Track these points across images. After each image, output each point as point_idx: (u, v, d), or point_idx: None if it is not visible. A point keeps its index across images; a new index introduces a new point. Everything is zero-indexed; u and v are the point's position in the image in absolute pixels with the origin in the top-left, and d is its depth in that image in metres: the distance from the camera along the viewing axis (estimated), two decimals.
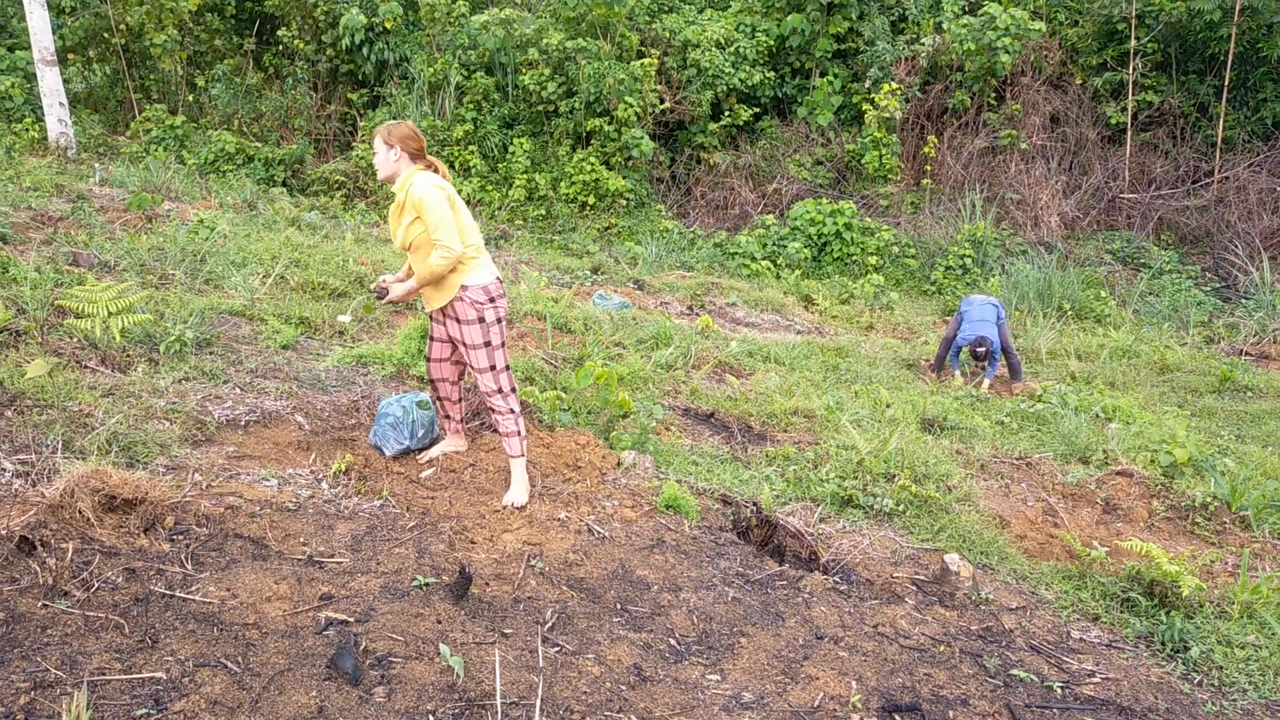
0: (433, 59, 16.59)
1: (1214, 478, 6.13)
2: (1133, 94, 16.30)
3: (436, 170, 4.60)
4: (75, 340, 5.65)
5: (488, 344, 4.60)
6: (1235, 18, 15.00)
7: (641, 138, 15.81)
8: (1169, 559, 4.64)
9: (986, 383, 9.21)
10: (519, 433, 4.74)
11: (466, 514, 4.55)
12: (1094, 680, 3.80)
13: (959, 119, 16.89)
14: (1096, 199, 16.08)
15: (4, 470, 4.01)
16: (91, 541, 3.56)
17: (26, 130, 14.63)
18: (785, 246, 14.67)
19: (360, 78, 17.46)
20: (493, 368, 4.64)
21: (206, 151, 15.27)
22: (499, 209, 15.62)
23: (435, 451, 5.16)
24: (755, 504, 5.05)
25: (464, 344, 4.63)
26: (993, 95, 16.72)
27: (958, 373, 9.44)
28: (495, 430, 4.75)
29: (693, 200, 17.19)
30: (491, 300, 4.57)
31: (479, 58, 16.65)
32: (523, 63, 16.27)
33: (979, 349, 9.03)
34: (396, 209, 4.57)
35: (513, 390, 4.74)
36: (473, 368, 4.68)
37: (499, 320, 4.63)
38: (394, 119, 16.40)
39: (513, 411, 4.71)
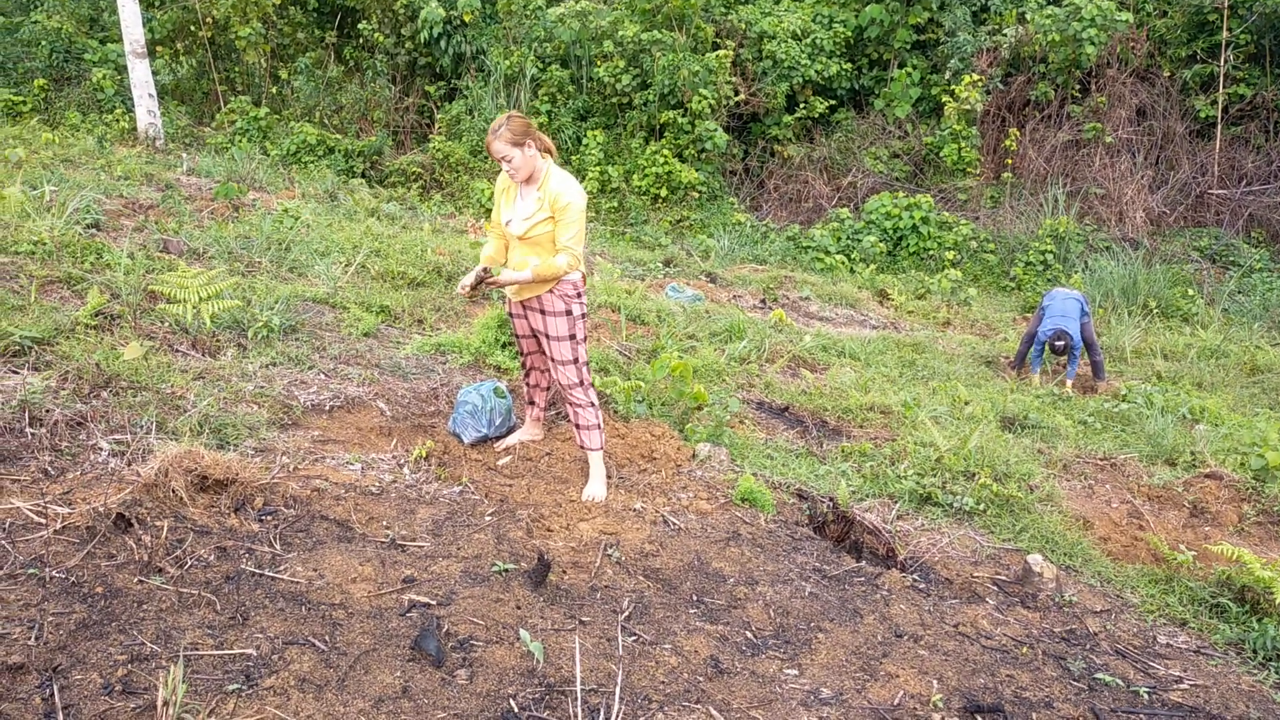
0: (509, 51, 16.72)
1: None
2: (1223, 86, 15.77)
3: (551, 153, 4.52)
4: (167, 325, 5.82)
5: (572, 337, 4.63)
6: None
7: (715, 130, 15.75)
8: (1261, 564, 4.49)
9: (1069, 383, 8.98)
10: (598, 425, 4.76)
11: (543, 502, 4.59)
12: (1181, 686, 3.70)
13: (1042, 111, 16.52)
14: (1184, 194, 15.61)
15: (101, 449, 4.14)
16: (184, 520, 3.67)
17: (117, 121, 15.07)
18: (860, 240, 14.51)
19: (438, 70, 17.67)
20: (575, 360, 4.66)
21: (289, 143, 15.58)
22: None
23: (512, 439, 5.22)
24: (831, 499, 5.01)
25: (548, 335, 4.65)
26: (1077, 87, 16.32)
27: (1037, 373, 9.22)
28: (575, 425, 4.76)
29: (766, 193, 17.08)
30: (579, 295, 4.61)
31: (554, 50, 16.74)
32: (598, 55, 16.31)
33: (1058, 343, 8.82)
34: (514, 195, 4.53)
35: (591, 384, 4.76)
36: (554, 359, 4.69)
37: (584, 315, 4.66)
38: (469, 110, 16.56)
39: (593, 405, 4.74)
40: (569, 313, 4.59)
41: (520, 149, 4.32)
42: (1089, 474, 6.25)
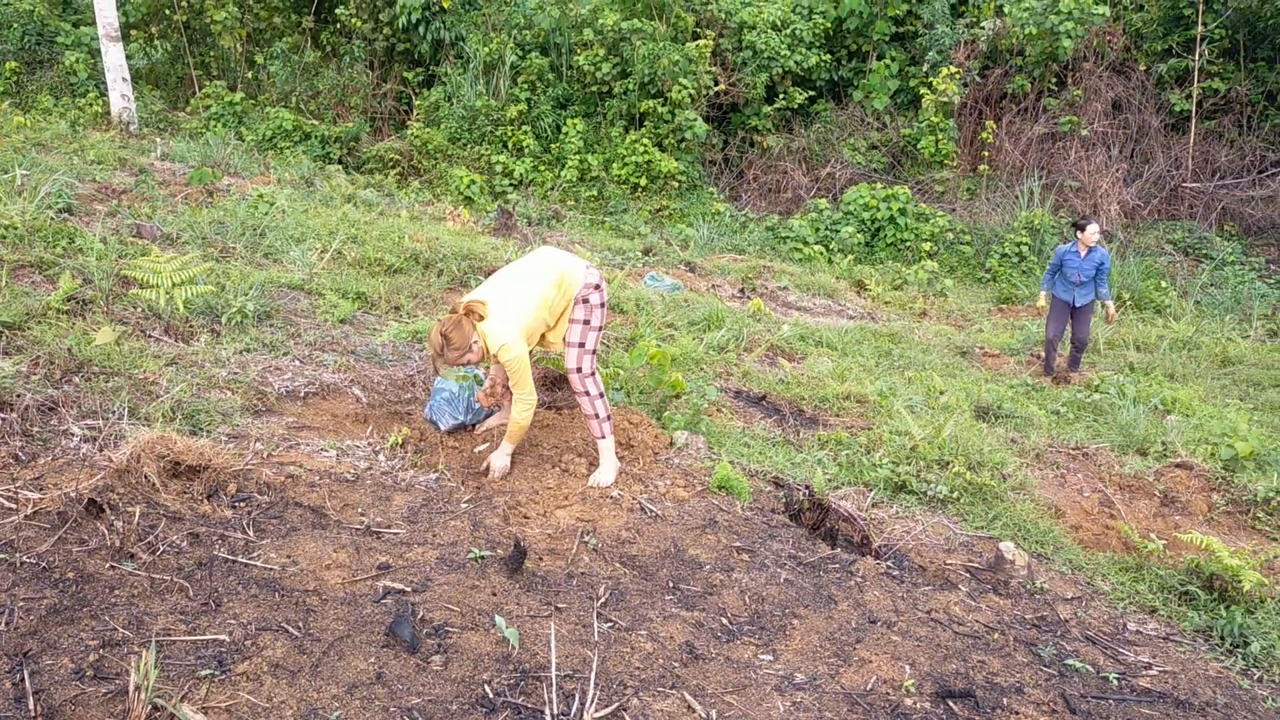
0: (488, 38, 16.63)
1: (1277, 472, 6.00)
2: (1198, 81, 15.91)
3: (474, 314, 4.45)
4: (140, 310, 5.77)
5: (586, 322, 4.69)
6: None
7: (695, 120, 15.74)
8: (1230, 553, 4.55)
9: (1111, 307, 9.20)
10: (596, 415, 4.76)
11: (520, 489, 4.58)
12: (1150, 673, 3.75)
13: (1018, 104, 16.61)
14: (1158, 188, 15.75)
15: (73, 435, 4.11)
16: (157, 506, 3.65)
17: (90, 105, 14.90)
18: (838, 231, 14.56)
19: (416, 56, 17.54)
20: (581, 345, 4.69)
21: (265, 128, 15.45)
22: (551, 189, 15.65)
23: (491, 423, 5.21)
24: (807, 487, 5.03)
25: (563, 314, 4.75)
26: (1053, 80, 16.42)
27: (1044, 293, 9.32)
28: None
29: (745, 183, 17.10)
30: (596, 287, 4.69)
31: (534, 37, 16.67)
32: (578, 43, 16.26)
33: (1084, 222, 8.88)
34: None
35: (593, 374, 4.75)
36: (564, 339, 4.75)
37: (601, 304, 4.73)
38: (448, 97, 16.41)
39: (587, 394, 4.73)
40: (586, 301, 4.67)
41: (469, 348, 4.38)
42: (1061, 463, 6.31)
